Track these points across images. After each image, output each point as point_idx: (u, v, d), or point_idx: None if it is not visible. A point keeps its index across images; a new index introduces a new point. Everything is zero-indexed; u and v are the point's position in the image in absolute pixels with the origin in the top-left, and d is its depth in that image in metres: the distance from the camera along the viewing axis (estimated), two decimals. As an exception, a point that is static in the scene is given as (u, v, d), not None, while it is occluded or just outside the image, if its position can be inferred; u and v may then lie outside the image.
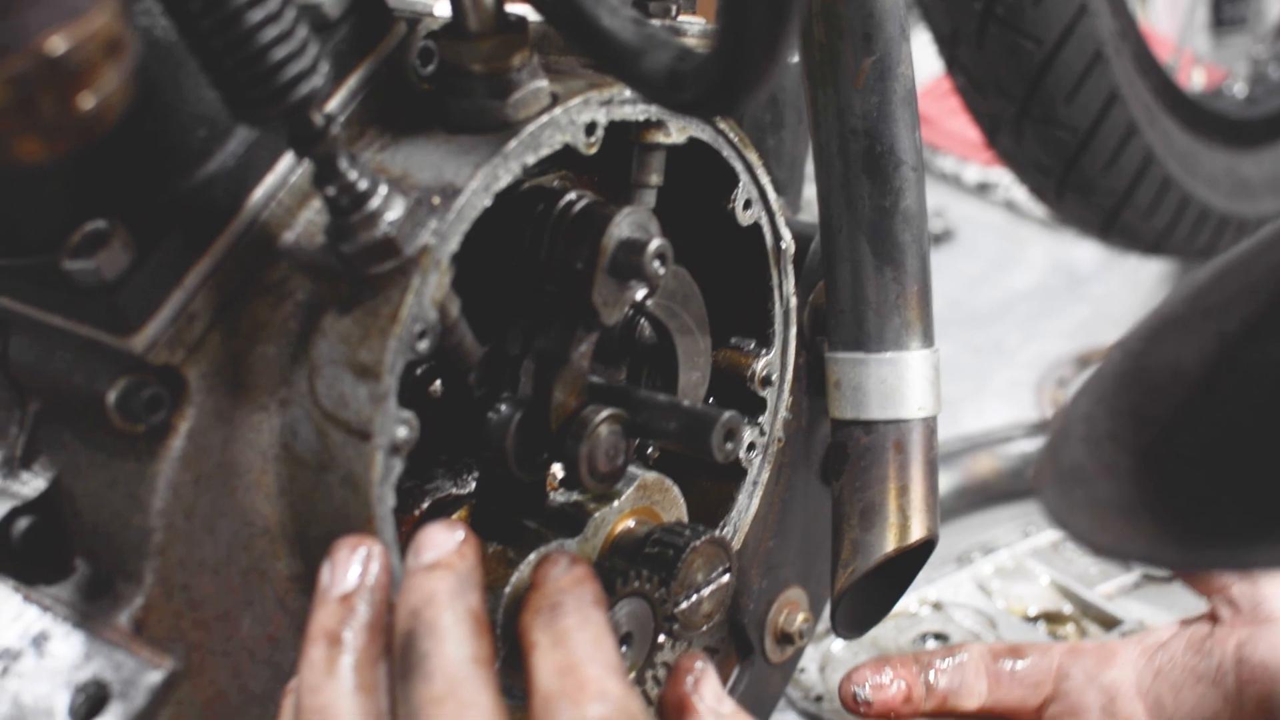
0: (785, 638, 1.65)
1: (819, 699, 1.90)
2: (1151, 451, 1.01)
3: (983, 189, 3.63)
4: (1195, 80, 3.83)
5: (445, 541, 1.08)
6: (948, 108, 3.15)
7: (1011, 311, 3.21)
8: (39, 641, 1.18)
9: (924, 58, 3.09)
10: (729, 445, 1.28)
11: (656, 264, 1.22)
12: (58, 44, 0.86)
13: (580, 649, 1.06)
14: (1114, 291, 3.23)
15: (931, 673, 1.61)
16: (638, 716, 1.04)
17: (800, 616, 1.65)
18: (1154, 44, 2.66)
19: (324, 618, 1.07)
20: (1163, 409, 1.03)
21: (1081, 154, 2.43)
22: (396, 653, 1.05)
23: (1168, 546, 0.97)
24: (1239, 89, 3.27)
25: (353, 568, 1.08)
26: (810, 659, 1.95)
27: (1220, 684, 1.51)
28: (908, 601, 2.06)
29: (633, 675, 1.30)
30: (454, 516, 1.32)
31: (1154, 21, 4.09)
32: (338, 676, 1.05)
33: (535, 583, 1.10)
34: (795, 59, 1.54)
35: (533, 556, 1.24)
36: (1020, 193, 3.33)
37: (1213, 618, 1.56)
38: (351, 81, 1.19)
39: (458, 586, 1.06)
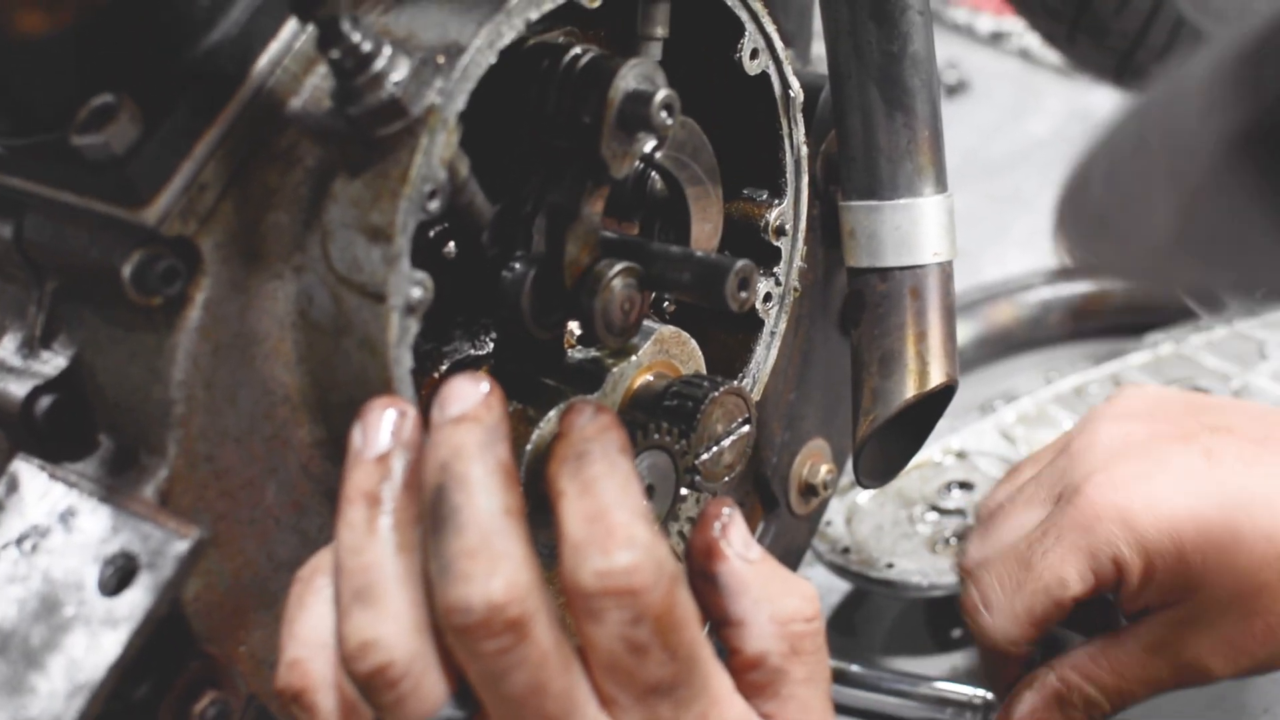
0: (809, 489, 1.66)
1: (846, 551, 1.91)
2: (1197, 188, 1.00)
3: (996, 38, 3.60)
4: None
5: (471, 394, 1.08)
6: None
7: (1029, 160, 3.19)
8: (66, 517, 1.19)
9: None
10: (743, 294, 1.28)
11: (664, 114, 1.21)
12: (53, -87, 0.86)
13: (607, 496, 1.06)
14: (1131, 137, 3.20)
15: None
16: (665, 561, 1.05)
17: (824, 468, 1.66)
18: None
19: (360, 479, 1.07)
20: (1199, 153, 1.01)
21: (1092, -4, 2.41)
22: (426, 508, 1.06)
23: (1221, 269, 0.96)
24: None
25: (385, 428, 1.08)
26: (836, 512, 1.96)
27: None
28: (931, 451, 2.07)
29: (657, 528, 1.30)
30: (474, 375, 1.33)
31: None
32: (379, 537, 1.05)
33: (561, 432, 1.10)
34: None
35: (553, 413, 1.25)
36: (1035, 40, 3.30)
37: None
38: (353, -58, 1.19)
39: (486, 438, 1.06)
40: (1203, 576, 1.52)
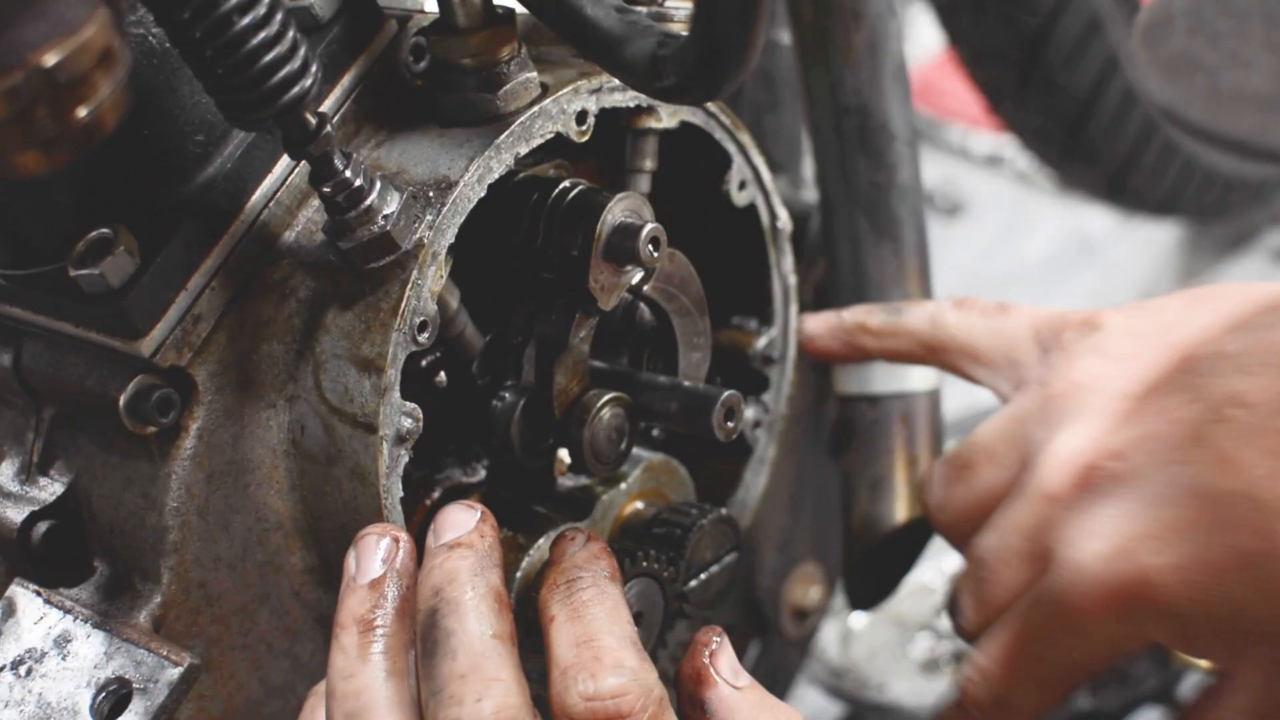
0: (801, 613, 1.67)
1: (840, 673, 1.92)
2: None
3: (993, 160, 3.63)
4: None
5: (465, 521, 1.10)
6: (955, 79, 3.15)
7: (1025, 280, 3.21)
8: (61, 642, 1.20)
9: (929, 31, 3.10)
10: (729, 424, 1.29)
11: (650, 248, 1.23)
12: (51, 58, 0.88)
13: (597, 621, 1.08)
14: (1128, 257, 3.22)
15: None
16: (653, 687, 1.06)
17: (815, 592, 1.67)
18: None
19: (354, 605, 1.09)
20: None
21: (1083, 120, 2.44)
22: (420, 631, 1.07)
23: None
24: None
25: (378, 555, 1.10)
26: (831, 634, 1.97)
27: None
28: (925, 574, 2.07)
29: (644, 653, 1.31)
30: (466, 502, 1.34)
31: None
32: (370, 662, 1.07)
33: (553, 559, 1.13)
34: (788, 40, 1.55)
35: (543, 540, 1.26)
36: (1030, 162, 3.33)
37: None
38: (345, 81, 1.21)
39: (478, 565, 1.08)
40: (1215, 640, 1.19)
